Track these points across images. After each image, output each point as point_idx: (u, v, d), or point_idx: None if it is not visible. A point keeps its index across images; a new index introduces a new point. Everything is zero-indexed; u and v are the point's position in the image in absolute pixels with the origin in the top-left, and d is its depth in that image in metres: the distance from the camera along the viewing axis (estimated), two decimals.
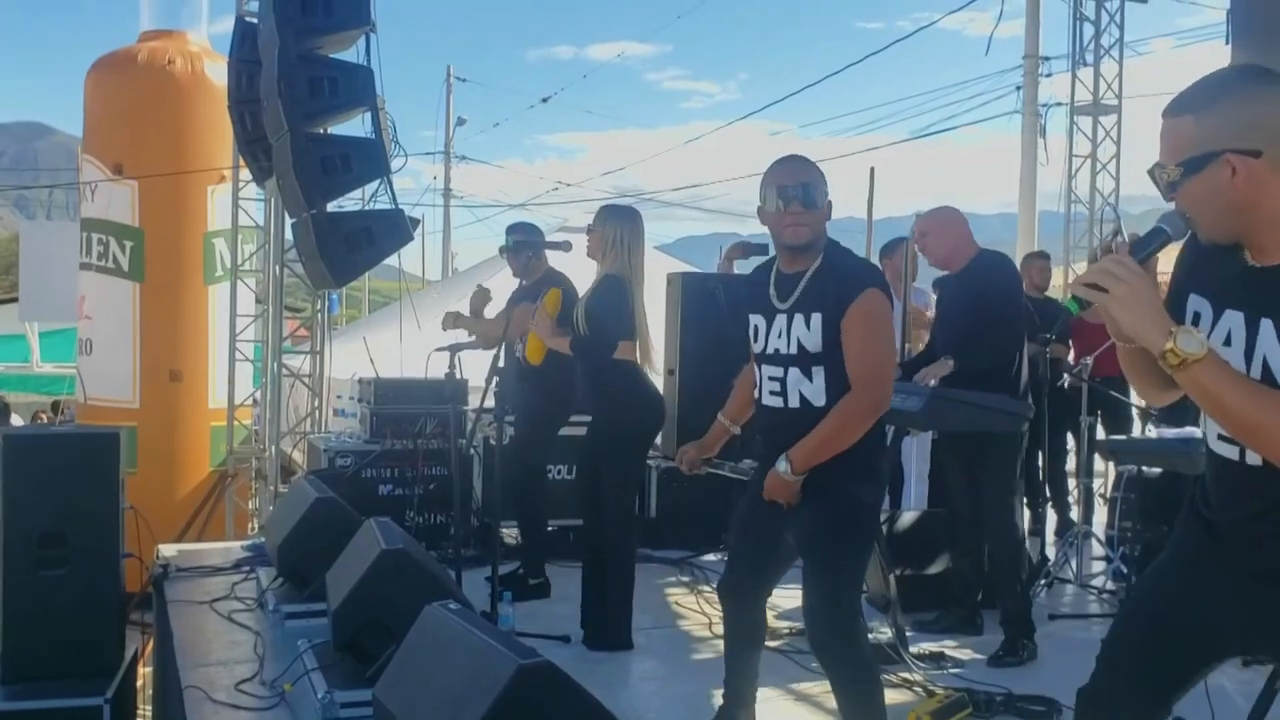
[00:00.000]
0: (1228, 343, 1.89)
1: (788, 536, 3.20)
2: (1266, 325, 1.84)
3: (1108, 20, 11.16)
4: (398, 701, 2.68)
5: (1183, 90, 1.92)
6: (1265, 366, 1.84)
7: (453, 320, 5.88)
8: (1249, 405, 1.76)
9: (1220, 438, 1.96)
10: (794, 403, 3.13)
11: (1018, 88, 12.74)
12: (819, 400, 3.09)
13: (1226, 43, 8.74)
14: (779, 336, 3.15)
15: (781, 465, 3.08)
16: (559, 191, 37.69)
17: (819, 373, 3.08)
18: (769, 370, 3.19)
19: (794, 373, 3.11)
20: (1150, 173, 1.93)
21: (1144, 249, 1.87)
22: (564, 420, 5.58)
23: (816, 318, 3.06)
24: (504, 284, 5.81)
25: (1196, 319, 1.97)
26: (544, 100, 25.19)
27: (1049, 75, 12.34)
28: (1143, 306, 1.78)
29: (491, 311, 5.84)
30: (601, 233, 4.66)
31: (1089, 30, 11.17)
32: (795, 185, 3.08)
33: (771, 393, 3.19)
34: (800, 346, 3.09)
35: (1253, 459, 1.89)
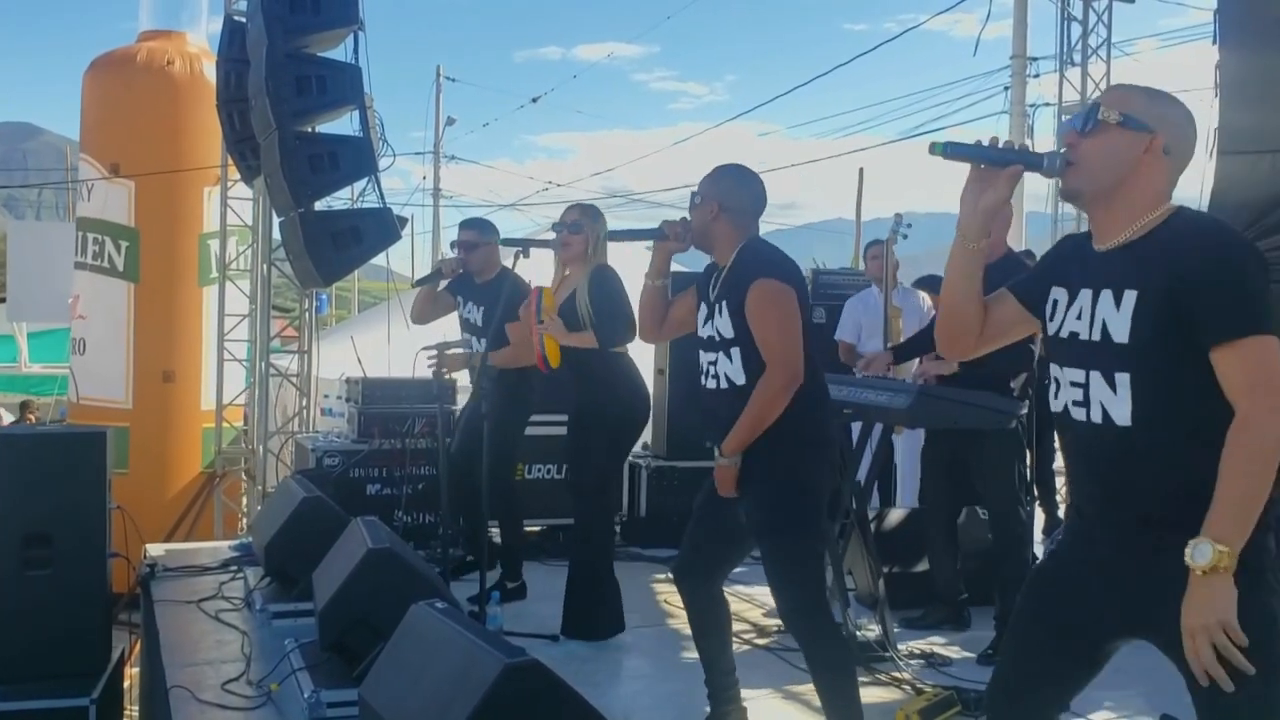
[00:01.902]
0: (1079, 317, 2.17)
1: (743, 519, 3.33)
2: (1105, 295, 2.12)
3: (1095, 20, 11.19)
4: (384, 701, 2.67)
5: (1140, 85, 2.25)
6: (1103, 327, 2.11)
7: (438, 359, 5.49)
8: (1251, 484, 1.96)
9: (1072, 404, 2.17)
10: (722, 384, 3.37)
11: (1006, 88, 12.77)
12: (739, 379, 3.32)
13: (1214, 43, 8.77)
14: (706, 323, 3.43)
15: (717, 454, 3.31)
16: (549, 191, 37.71)
17: (736, 354, 3.32)
18: (704, 355, 3.44)
19: (720, 356, 3.36)
20: (1084, 112, 2.19)
21: (1012, 158, 2.19)
22: (524, 422, 5.50)
23: (725, 306, 3.32)
24: None
25: (1055, 306, 2.24)
26: (534, 100, 25.20)
27: (1037, 76, 12.38)
28: (1209, 606, 1.93)
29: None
30: (588, 233, 4.70)
31: (1077, 30, 11.21)
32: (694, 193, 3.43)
33: (709, 377, 3.41)
34: (719, 332, 3.35)
35: (1096, 417, 2.12)
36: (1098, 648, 2.21)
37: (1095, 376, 2.12)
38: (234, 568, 5.09)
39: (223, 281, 9.28)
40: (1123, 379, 2.07)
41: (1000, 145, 2.21)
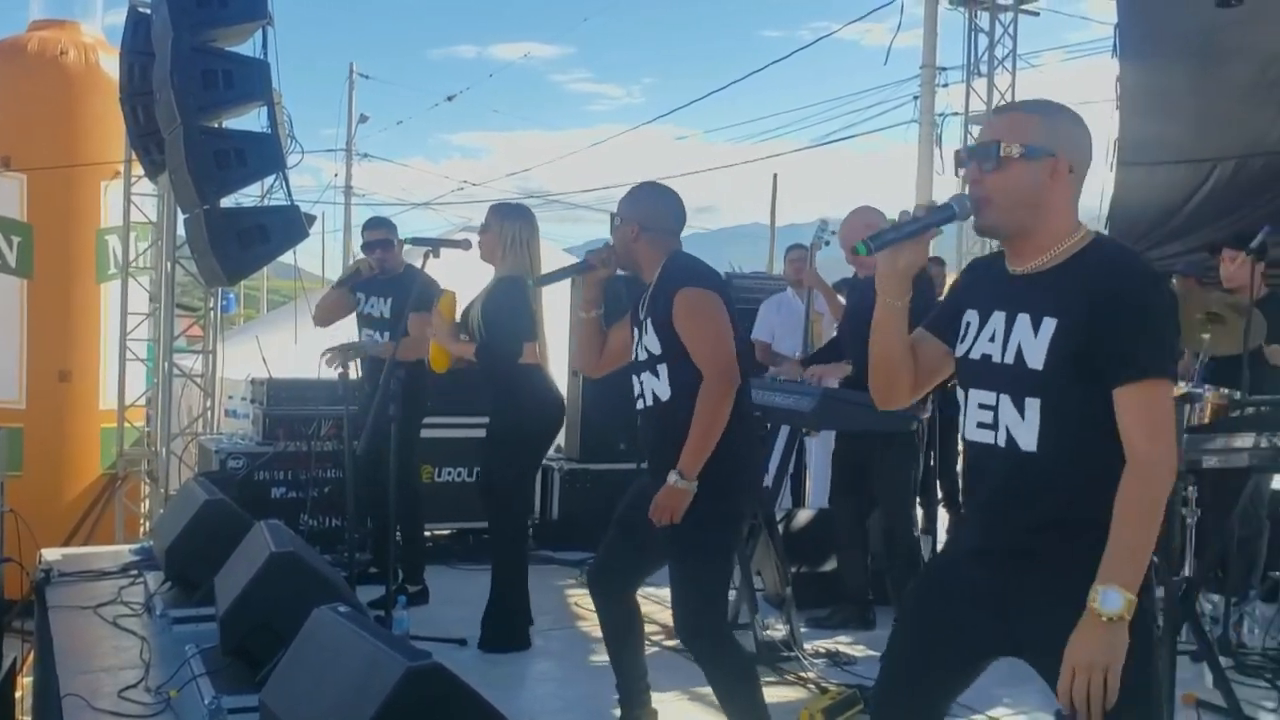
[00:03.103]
0: (992, 339, 2.16)
1: (659, 534, 3.30)
2: (1022, 319, 2.10)
3: (1001, 32, 11.47)
4: (285, 706, 2.64)
5: (1027, 99, 2.29)
6: (1018, 352, 2.09)
7: (339, 355, 5.46)
8: (1144, 532, 1.98)
9: (979, 425, 2.16)
10: (650, 401, 3.35)
11: (915, 97, 12.98)
12: (664, 394, 3.29)
13: (1114, 56, 9.06)
14: (637, 345, 3.39)
15: (672, 477, 3.21)
16: (464, 191, 37.45)
17: (662, 369, 3.30)
18: (635, 378, 3.41)
19: (648, 375, 3.34)
20: (973, 149, 2.16)
21: (929, 222, 2.16)
22: (417, 425, 5.44)
23: (650, 322, 3.31)
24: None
25: (968, 328, 2.23)
26: (449, 99, 24.98)
27: (945, 85, 12.59)
28: (1099, 648, 1.94)
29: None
30: (497, 233, 4.63)
31: (984, 42, 11.47)
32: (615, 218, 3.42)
33: (638, 395, 3.39)
34: (648, 351, 3.32)
35: (1001, 440, 2.11)
36: (972, 658, 2.24)
37: (1005, 400, 2.11)
38: (134, 572, 4.96)
39: (125, 278, 9.07)
40: (1033, 404, 2.07)
41: (911, 215, 2.19)
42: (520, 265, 4.61)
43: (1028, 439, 2.07)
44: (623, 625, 3.54)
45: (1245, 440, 3.53)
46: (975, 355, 2.19)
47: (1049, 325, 2.06)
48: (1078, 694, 1.94)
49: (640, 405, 3.39)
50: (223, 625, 3.42)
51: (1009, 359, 2.10)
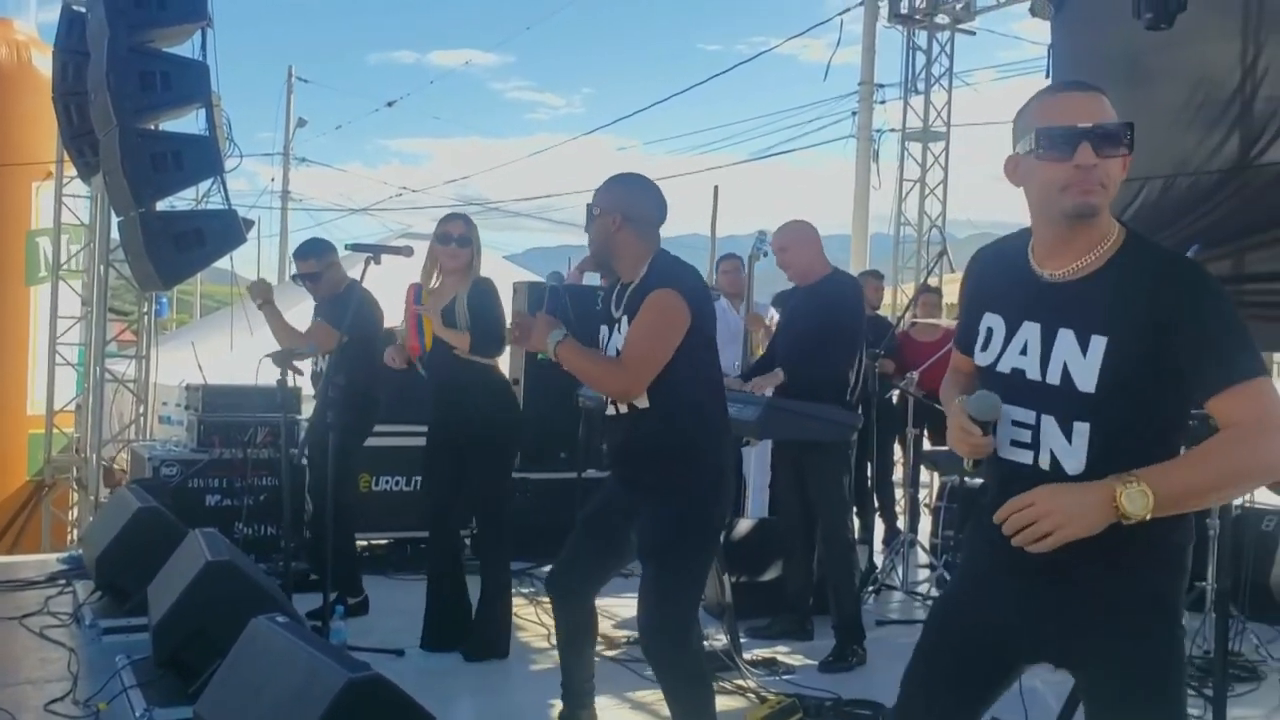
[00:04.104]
0: (1024, 352, 2.01)
1: (632, 537, 3.26)
2: (1065, 335, 1.96)
3: (939, 51, 11.66)
4: (220, 718, 2.60)
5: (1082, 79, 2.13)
6: (1065, 372, 1.95)
7: (260, 291, 5.44)
8: (1213, 477, 1.86)
9: (1013, 443, 2.04)
10: (623, 407, 3.23)
11: (853, 113, 13.16)
12: (640, 402, 3.18)
13: (1047, 76, 9.25)
14: (607, 341, 3.30)
15: (557, 334, 3.20)
16: (403, 197, 37.16)
17: None
18: None
19: None
20: (1106, 131, 1.94)
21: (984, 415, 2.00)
22: (366, 433, 5.41)
23: (627, 321, 3.20)
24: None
25: (990, 334, 2.09)
26: (389, 104, 24.87)
27: (883, 102, 12.79)
28: (1080, 517, 1.84)
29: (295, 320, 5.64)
30: (474, 248, 4.65)
31: (921, 60, 11.65)
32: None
33: (610, 402, 3.29)
34: (618, 349, 3.22)
35: (1045, 463, 1.99)
36: (1003, 668, 2.15)
37: (1049, 421, 1.98)
38: (62, 581, 4.89)
39: (55, 281, 8.88)
40: (1081, 428, 1.95)
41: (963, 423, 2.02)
42: (479, 271, 4.66)
43: (1074, 463, 1.96)
44: (578, 627, 3.47)
45: None
46: (1004, 369, 2.05)
47: (1098, 344, 1.92)
48: (1018, 519, 1.88)
49: (611, 411, 3.28)
50: (155, 635, 3.37)
51: (1053, 379, 1.97)
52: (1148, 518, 1.81)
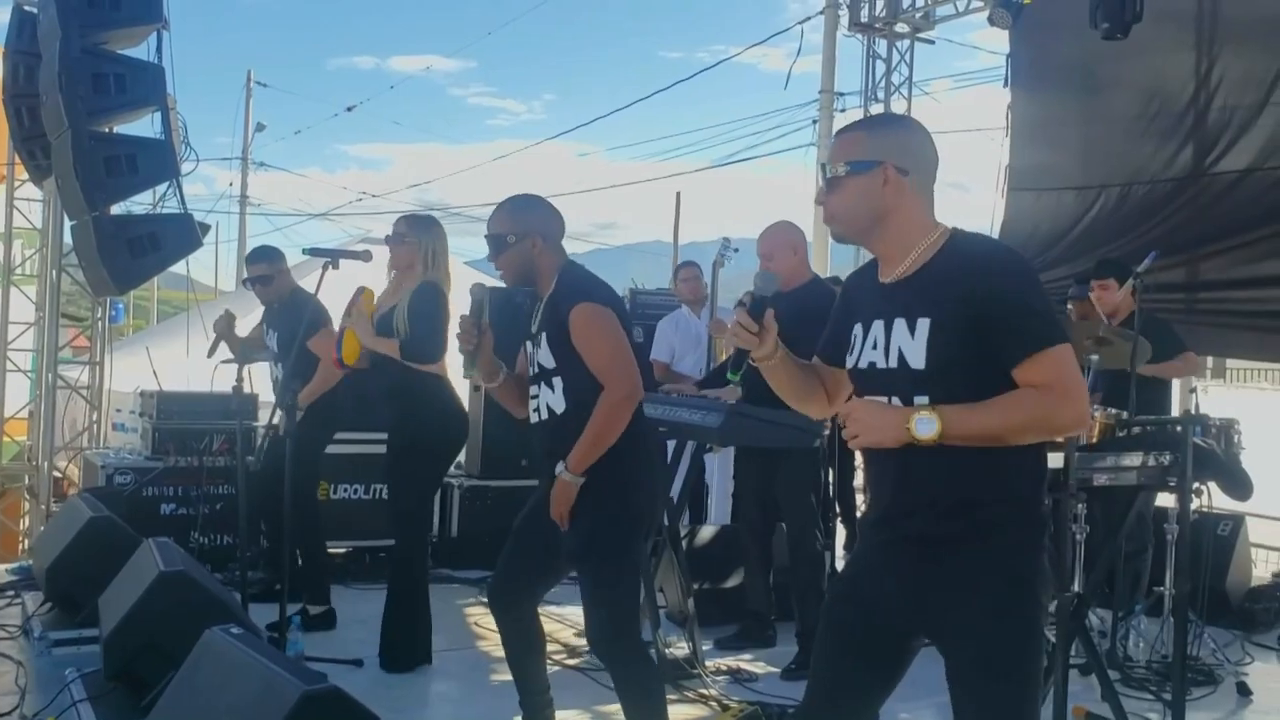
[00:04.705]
0: (874, 346, 2.27)
1: (564, 545, 3.29)
2: (899, 323, 2.22)
3: (898, 59, 11.73)
4: None
5: (859, 119, 2.55)
6: (900, 355, 2.20)
7: (224, 325, 5.41)
8: (1001, 420, 2.10)
9: None
10: (544, 414, 3.32)
11: (814, 121, 13.20)
12: (559, 407, 3.28)
13: (1005, 85, 9.35)
14: (529, 356, 3.38)
15: (559, 468, 3.24)
16: (363, 202, 36.98)
17: (557, 383, 3.29)
18: (531, 389, 3.39)
19: (542, 388, 3.33)
20: (824, 175, 2.32)
21: (761, 304, 2.32)
22: (326, 441, 5.34)
23: (544, 337, 3.30)
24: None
25: (855, 340, 2.34)
26: (349, 109, 24.73)
27: (843, 110, 12.84)
28: (876, 428, 2.14)
29: (244, 329, 5.58)
30: (415, 245, 4.60)
31: (881, 68, 11.72)
32: (489, 236, 3.37)
33: (533, 410, 3.37)
34: (540, 365, 3.32)
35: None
36: (892, 648, 2.30)
37: (895, 403, 2.20)
38: (10, 593, 4.80)
39: (6, 286, 8.74)
40: (921, 401, 2.16)
41: (744, 300, 2.32)
42: (433, 277, 4.58)
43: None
44: (524, 639, 3.49)
45: (1134, 459, 3.64)
46: (863, 365, 2.29)
47: (924, 325, 2.17)
48: (841, 419, 2.18)
49: (535, 418, 3.37)
50: (106, 648, 3.31)
51: (892, 363, 2.22)
52: (934, 441, 2.06)
